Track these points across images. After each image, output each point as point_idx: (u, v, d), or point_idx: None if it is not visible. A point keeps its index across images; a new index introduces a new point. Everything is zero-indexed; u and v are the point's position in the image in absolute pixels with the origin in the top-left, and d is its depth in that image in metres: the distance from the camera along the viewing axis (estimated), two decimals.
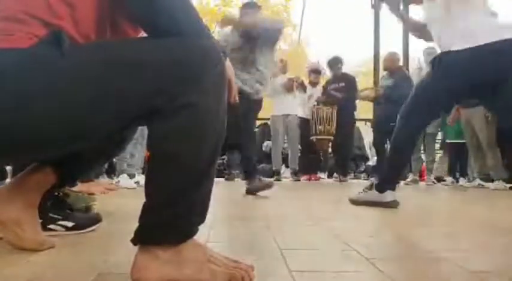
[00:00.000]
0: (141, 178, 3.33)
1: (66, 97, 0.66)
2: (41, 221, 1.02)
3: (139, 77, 0.67)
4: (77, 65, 0.67)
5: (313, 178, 5.45)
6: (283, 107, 5.35)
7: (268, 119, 5.95)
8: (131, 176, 3.34)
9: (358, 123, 6.37)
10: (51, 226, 1.14)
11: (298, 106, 5.47)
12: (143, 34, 0.80)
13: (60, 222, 1.17)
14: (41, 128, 0.67)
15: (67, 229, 1.18)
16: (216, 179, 0.77)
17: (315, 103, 5.34)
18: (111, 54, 0.69)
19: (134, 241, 0.72)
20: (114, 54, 0.69)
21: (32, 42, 0.68)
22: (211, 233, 1.25)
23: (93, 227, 1.26)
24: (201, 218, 0.75)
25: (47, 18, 0.71)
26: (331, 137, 5.31)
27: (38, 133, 0.68)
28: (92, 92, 0.66)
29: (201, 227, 0.75)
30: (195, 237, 0.74)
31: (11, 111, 0.65)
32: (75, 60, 0.67)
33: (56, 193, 1.14)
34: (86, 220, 1.25)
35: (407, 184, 4.95)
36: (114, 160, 3.47)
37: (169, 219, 0.70)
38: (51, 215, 1.14)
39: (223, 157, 5.76)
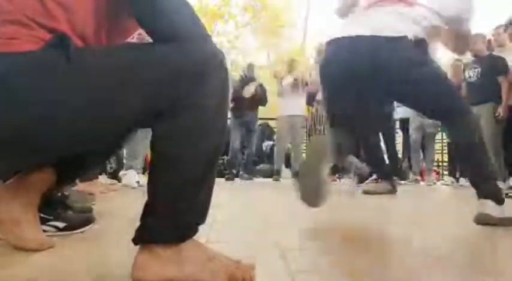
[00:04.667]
0: (141, 178, 3.33)
1: (71, 101, 0.67)
2: None
3: (143, 81, 0.69)
4: (83, 69, 0.68)
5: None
6: (289, 107, 5.34)
7: (269, 119, 5.93)
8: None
9: None
10: (43, 227, 1.09)
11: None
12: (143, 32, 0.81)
13: (52, 222, 1.16)
14: (45, 131, 0.68)
15: (58, 229, 1.17)
16: (216, 179, 0.77)
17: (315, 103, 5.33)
18: (115, 59, 0.71)
19: (135, 241, 0.72)
20: (118, 59, 0.71)
21: (38, 46, 0.69)
22: (211, 233, 1.25)
23: (85, 228, 1.24)
24: (202, 218, 0.75)
25: (45, 22, 0.72)
26: None
27: (43, 136, 0.68)
28: (97, 96, 0.68)
29: (201, 227, 0.76)
30: (195, 237, 0.75)
31: (19, 115, 0.66)
32: (80, 64, 0.69)
33: (46, 193, 1.13)
34: (78, 220, 1.23)
35: (407, 184, 4.95)
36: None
37: (170, 218, 0.71)
38: (42, 215, 1.09)
39: (223, 157, 5.76)
